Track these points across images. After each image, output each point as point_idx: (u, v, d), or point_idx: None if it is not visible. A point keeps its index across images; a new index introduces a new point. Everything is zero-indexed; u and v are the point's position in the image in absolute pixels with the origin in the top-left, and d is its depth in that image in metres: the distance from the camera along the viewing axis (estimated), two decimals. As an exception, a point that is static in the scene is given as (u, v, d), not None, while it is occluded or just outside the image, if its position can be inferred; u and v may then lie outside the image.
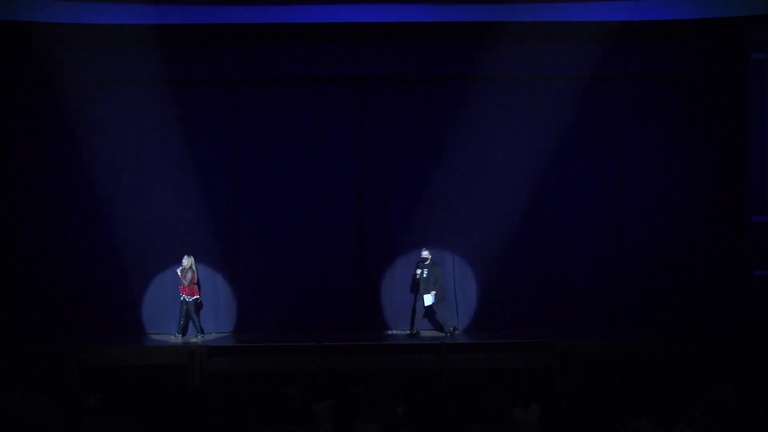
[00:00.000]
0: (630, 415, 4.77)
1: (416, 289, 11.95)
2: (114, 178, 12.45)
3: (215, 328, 12.28)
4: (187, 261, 11.62)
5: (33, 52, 12.08)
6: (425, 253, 11.78)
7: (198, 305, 11.79)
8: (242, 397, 5.31)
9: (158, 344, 11.30)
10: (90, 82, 12.35)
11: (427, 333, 11.89)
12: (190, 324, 11.67)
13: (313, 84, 12.65)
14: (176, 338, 11.48)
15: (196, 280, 11.69)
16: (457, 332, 11.86)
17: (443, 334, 11.67)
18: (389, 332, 12.22)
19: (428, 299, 11.65)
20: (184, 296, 11.58)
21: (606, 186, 12.75)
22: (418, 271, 11.74)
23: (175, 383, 9.07)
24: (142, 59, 12.15)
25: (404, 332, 12.02)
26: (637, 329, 12.13)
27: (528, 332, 11.98)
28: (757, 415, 4.68)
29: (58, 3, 11.42)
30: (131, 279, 12.32)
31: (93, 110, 12.43)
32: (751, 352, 10.13)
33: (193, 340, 11.41)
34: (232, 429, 5.01)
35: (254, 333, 12.12)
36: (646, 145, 12.74)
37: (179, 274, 11.60)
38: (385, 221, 12.60)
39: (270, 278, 12.52)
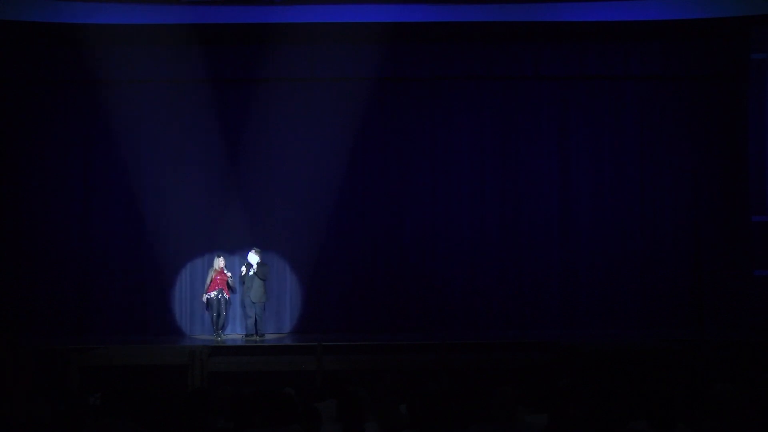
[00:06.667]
0: (630, 415, 4.77)
1: (242, 289, 11.93)
2: (113, 178, 12.51)
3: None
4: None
5: (33, 52, 12.14)
6: (252, 253, 11.75)
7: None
8: (242, 397, 5.30)
9: (158, 344, 11.30)
10: (90, 82, 12.38)
11: (272, 336, 11.78)
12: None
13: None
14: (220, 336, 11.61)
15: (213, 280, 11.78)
16: (263, 338, 11.62)
17: (252, 335, 11.58)
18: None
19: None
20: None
21: (605, 185, 12.77)
22: (243, 270, 11.76)
23: (175, 383, 9.06)
24: (143, 59, 12.24)
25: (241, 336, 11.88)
26: (637, 329, 12.15)
27: (528, 331, 12.04)
28: (757, 415, 4.68)
29: (58, 3, 11.45)
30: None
31: (93, 109, 12.50)
32: (751, 352, 10.12)
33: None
34: (232, 429, 5.01)
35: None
36: (645, 144, 12.76)
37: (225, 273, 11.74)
38: None
39: None
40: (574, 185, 12.78)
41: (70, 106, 12.61)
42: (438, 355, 9.96)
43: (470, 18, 11.80)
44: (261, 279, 11.62)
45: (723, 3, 11.75)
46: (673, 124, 12.75)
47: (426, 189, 12.83)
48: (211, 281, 11.71)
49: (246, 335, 11.75)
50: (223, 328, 11.76)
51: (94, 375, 9.35)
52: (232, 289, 11.96)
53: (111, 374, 9.33)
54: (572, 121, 12.84)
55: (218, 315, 11.64)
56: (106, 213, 12.54)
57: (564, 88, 12.82)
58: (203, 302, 11.82)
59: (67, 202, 12.53)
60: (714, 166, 12.63)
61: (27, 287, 12.30)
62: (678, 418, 4.64)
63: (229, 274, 11.84)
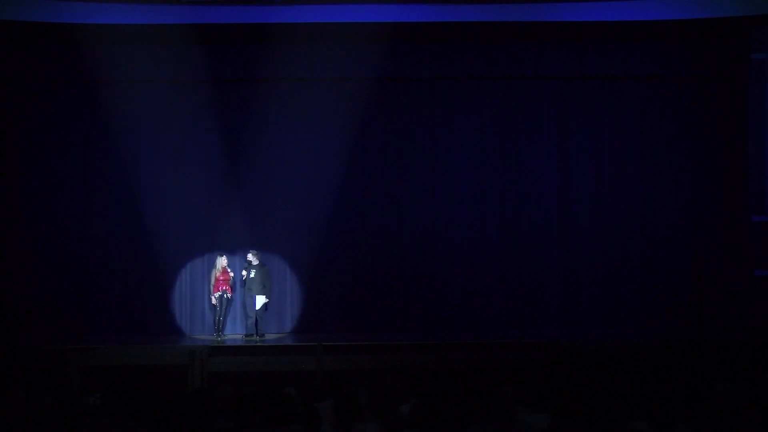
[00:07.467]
0: (630, 415, 4.77)
1: (242, 290, 11.94)
2: (113, 178, 12.54)
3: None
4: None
5: (33, 52, 12.15)
6: (250, 255, 11.74)
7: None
8: (242, 397, 5.30)
9: (158, 344, 11.30)
10: (90, 81, 12.39)
11: (271, 335, 11.76)
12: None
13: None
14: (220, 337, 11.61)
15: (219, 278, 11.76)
16: (263, 338, 11.59)
17: (252, 335, 11.56)
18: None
19: (260, 301, 11.58)
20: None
21: (605, 185, 12.78)
22: (244, 273, 11.75)
23: (175, 383, 9.05)
24: (143, 59, 12.28)
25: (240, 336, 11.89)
26: (637, 329, 12.15)
27: (528, 331, 12.05)
28: (757, 415, 4.68)
29: (58, 3, 11.46)
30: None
31: (93, 109, 12.52)
32: (751, 352, 10.12)
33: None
34: (232, 429, 5.01)
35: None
36: (645, 144, 12.76)
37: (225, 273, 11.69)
38: None
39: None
40: (574, 185, 12.78)
41: (70, 106, 12.63)
42: (438, 355, 9.96)
43: (470, 18, 11.81)
44: (261, 280, 11.62)
45: (723, 3, 11.75)
46: (673, 124, 12.75)
47: (426, 189, 12.83)
48: (215, 281, 11.71)
49: (246, 335, 11.75)
50: (223, 328, 11.75)
51: (94, 375, 9.34)
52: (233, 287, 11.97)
53: (111, 374, 9.33)
54: (572, 121, 12.85)
55: (220, 315, 11.65)
56: (106, 213, 12.56)
57: (564, 88, 12.83)
58: (213, 303, 11.78)
59: (67, 202, 12.54)
60: (714, 166, 12.64)
61: (27, 287, 12.30)
62: (678, 418, 4.64)
63: (231, 273, 11.83)
